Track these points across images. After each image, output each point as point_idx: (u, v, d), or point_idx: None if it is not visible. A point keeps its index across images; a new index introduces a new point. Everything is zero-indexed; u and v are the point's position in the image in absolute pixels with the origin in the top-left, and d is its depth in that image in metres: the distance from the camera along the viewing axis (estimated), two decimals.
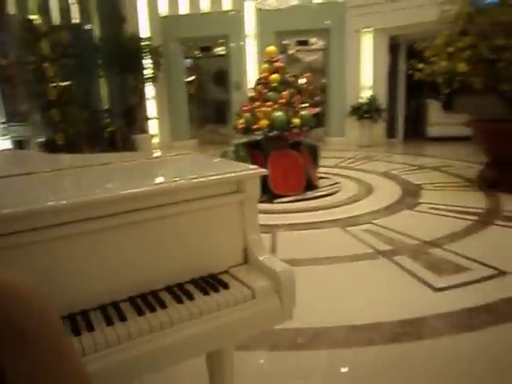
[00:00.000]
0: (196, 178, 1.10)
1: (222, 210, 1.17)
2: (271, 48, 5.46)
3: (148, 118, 9.97)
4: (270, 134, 5.12)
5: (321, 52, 10.57)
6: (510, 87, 4.84)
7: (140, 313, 0.99)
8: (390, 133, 9.81)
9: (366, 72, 9.39)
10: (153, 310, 1.00)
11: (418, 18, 7.72)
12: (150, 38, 9.43)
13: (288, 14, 8.98)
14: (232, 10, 9.71)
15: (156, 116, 10.19)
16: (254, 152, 5.31)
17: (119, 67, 8.90)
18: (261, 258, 1.16)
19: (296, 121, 5.11)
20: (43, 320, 0.59)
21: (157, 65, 9.33)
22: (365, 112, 9.18)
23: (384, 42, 9.24)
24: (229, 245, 1.19)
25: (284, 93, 5.20)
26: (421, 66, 5.19)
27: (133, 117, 9.54)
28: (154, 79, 9.48)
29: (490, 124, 5.33)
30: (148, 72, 9.32)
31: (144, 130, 9.76)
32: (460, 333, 2.14)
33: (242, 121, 5.32)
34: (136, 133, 9.41)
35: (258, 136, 5.33)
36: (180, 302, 1.02)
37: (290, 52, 11.14)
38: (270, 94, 5.20)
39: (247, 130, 5.28)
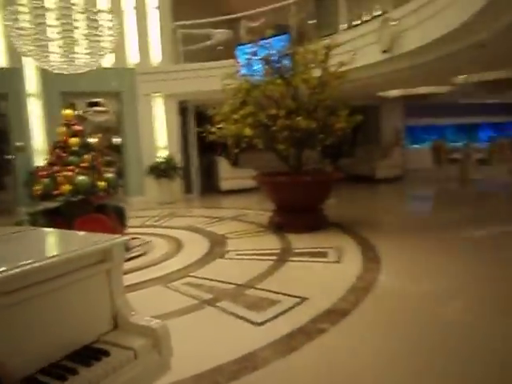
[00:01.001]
0: (64, 254, 1.12)
1: (90, 281, 1.20)
2: (68, 111, 5.32)
3: None
4: (75, 199, 4.89)
5: (113, 112, 10.64)
6: (284, 147, 5.94)
7: None
8: (188, 189, 10.44)
9: (160, 133, 9.91)
10: None
11: (203, 87, 8.73)
12: None
13: (76, 76, 8.82)
14: (6, 67, 8.91)
15: None
16: (56, 219, 4.94)
17: None
18: (132, 320, 1.23)
19: (101, 184, 5.05)
20: None
21: None
22: (162, 171, 9.59)
23: (174, 106, 9.99)
24: (99, 313, 1.22)
25: (86, 156, 5.09)
26: (214, 129, 5.90)
27: None
28: None
29: (271, 177, 6.35)
30: None
31: None
32: (285, 356, 2.52)
33: (39, 187, 4.92)
34: None
35: (58, 202, 5.01)
36: (64, 379, 1.01)
37: (79, 112, 10.85)
38: (71, 158, 5.02)
39: (47, 197, 4.91)
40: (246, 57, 6.26)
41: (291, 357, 2.51)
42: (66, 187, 4.83)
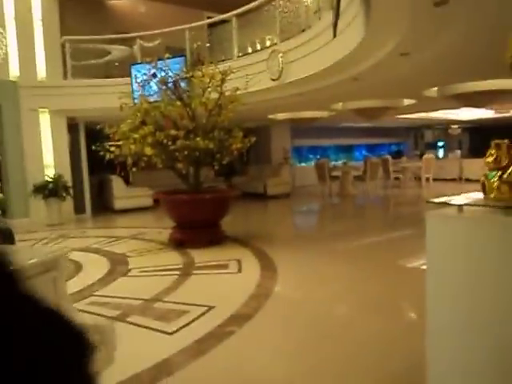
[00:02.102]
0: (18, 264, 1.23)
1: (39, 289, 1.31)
2: None
3: None
4: None
5: None
6: (183, 166, 6.15)
7: None
8: (79, 209, 9.96)
9: (47, 150, 9.36)
10: None
11: (95, 104, 8.52)
12: None
13: None
14: None
15: None
16: None
17: None
18: (79, 320, 1.36)
19: None
20: None
21: None
22: (51, 190, 9.05)
23: (62, 122, 9.53)
24: None
25: None
26: (113, 148, 5.87)
27: None
28: None
29: (170, 195, 6.48)
30: None
31: None
32: (198, 358, 2.73)
33: None
34: None
35: None
36: None
37: None
38: None
39: None
40: (143, 77, 6.37)
41: (204, 358, 2.73)
42: None
